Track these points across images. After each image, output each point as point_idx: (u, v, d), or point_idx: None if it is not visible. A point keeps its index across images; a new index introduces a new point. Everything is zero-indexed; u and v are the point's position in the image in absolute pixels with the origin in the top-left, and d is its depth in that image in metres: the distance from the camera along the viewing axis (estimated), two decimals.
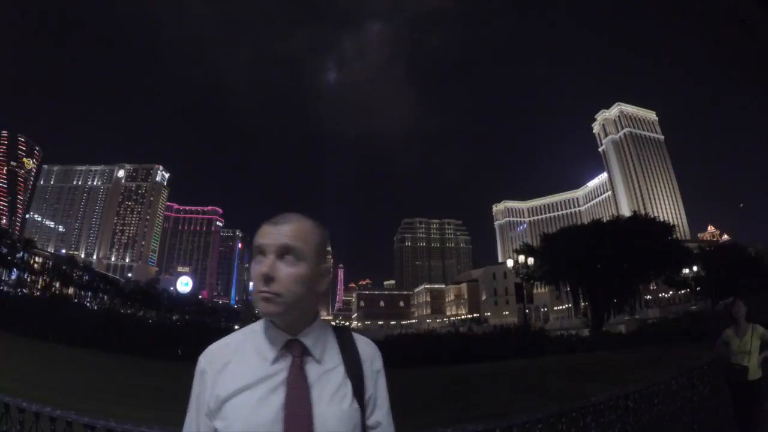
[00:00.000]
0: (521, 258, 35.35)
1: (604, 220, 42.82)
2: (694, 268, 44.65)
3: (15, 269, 60.50)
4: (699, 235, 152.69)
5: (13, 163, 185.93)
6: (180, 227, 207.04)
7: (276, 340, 1.04)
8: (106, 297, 74.82)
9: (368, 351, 1.12)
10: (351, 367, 1.06)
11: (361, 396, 1.05)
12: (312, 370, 1.03)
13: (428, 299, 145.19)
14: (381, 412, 1.09)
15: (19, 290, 53.02)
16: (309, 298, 1.05)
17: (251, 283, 1.10)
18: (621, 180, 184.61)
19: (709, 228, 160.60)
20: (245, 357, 1.03)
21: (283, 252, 1.01)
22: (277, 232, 1.03)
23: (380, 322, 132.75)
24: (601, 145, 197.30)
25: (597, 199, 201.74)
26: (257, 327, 1.09)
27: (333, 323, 1.19)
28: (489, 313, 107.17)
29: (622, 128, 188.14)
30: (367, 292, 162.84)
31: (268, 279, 0.99)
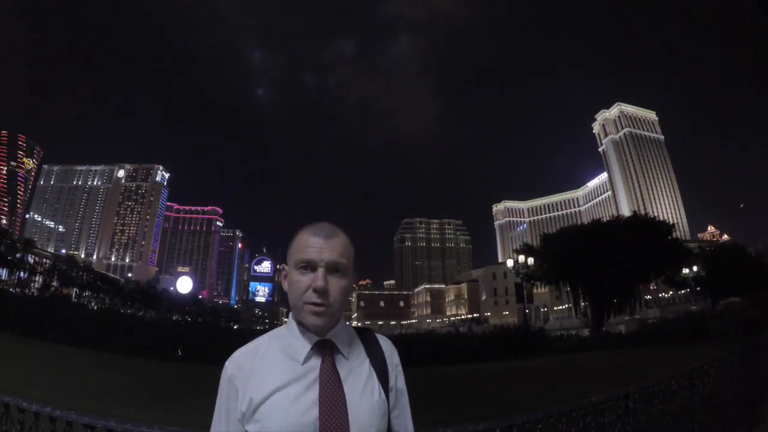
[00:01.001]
0: (521, 258, 35.35)
1: (604, 220, 42.77)
2: (694, 268, 44.65)
3: (15, 269, 60.45)
4: (699, 235, 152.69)
5: (13, 163, 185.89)
6: (180, 227, 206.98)
7: (305, 342, 1.10)
8: (106, 297, 74.74)
9: (388, 347, 1.20)
10: (376, 363, 1.14)
11: (386, 389, 1.12)
12: (342, 366, 1.09)
13: (428, 299, 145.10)
14: (402, 403, 1.18)
15: (18, 290, 52.98)
16: (345, 306, 1.14)
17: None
18: (621, 180, 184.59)
19: (709, 228, 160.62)
20: (275, 359, 1.08)
21: (334, 267, 1.08)
22: (329, 248, 1.09)
23: (380, 322, 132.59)
24: (601, 145, 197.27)
25: (597, 199, 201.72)
26: (283, 331, 1.15)
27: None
28: (489, 313, 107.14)
29: (622, 128, 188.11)
30: (367, 292, 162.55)
31: (323, 292, 1.05)
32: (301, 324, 1.11)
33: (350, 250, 1.13)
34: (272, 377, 1.04)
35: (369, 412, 1.04)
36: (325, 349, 1.09)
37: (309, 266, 1.08)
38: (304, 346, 1.09)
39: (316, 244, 1.09)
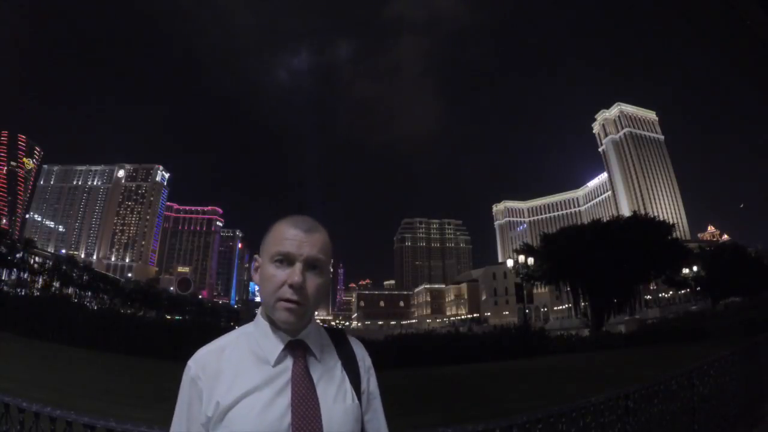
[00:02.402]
0: (521, 258, 35.33)
1: (604, 220, 42.76)
2: (694, 268, 44.65)
3: (15, 269, 60.44)
4: (699, 235, 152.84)
5: (13, 163, 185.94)
6: (180, 227, 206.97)
7: (277, 342, 1.02)
8: (106, 297, 74.74)
9: (360, 350, 1.15)
10: (348, 365, 1.08)
11: (358, 393, 1.07)
12: (315, 369, 1.03)
13: (428, 299, 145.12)
14: (374, 407, 1.12)
15: (18, 290, 52.98)
16: (318, 306, 1.10)
17: (257, 287, 1.11)
18: (621, 180, 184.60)
19: (709, 228, 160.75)
20: (244, 360, 1.00)
21: (312, 264, 1.02)
22: (309, 243, 1.02)
23: (380, 322, 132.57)
24: (601, 145, 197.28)
25: (597, 199, 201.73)
26: (251, 328, 1.07)
27: (332, 323, 1.20)
28: (489, 313, 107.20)
29: (622, 128, 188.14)
30: (367, 292, 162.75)
31: (299, 289, 0.99)
32: (271, 322, 1.03)
33: (329, 247, 1.06)
34: (241, 380, 0.97)
35: (343, 417, 0.99)
36: (296, 350, 1.02)
37: (286, 260, 1.00)
38: (275, 346, 1.02)
39: (296, 237, 1.01)
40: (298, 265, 1.00)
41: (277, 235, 1.03)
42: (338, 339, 1.13)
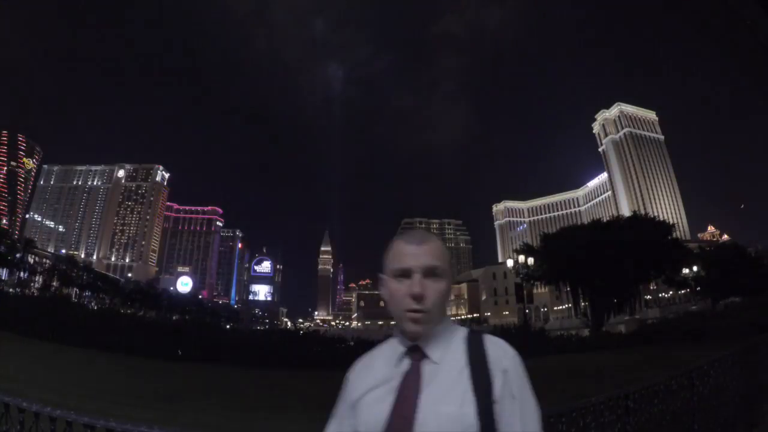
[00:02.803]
0: (521, 258, 35.36)
1: (604, 220, 42.80)
2: (694, 268, 44.62)
3: (15, 269, 60.45)
4: (699, 235, 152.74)
5: (13, 163, 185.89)
6: (180, 227, 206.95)
7: (400, 347, 1.13)
8: (106, 297, 74.77)
9: (496, 350, 1.08)
10: (475, 369, 1.04)
11: (488, 398, 1.00)
12: (429, 371, 1.07)
13: None
14: (512, 413, 1.02)
15: (18, 290, 52.99)
16: (444, 309, 1.14)
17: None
18: (621, 180, 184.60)
19: (709, 228, 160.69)
20: (376, 363, 1.15)
21: (430, 272, 1.09)
22: (423, 253, 1.10)
23: (380, 322, 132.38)
24: (601, 145, 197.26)
25: (597, 199, 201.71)
26: (393, 339, 1.19)
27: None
28: (489, 313, 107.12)
29: (622, 128, 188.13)
30: (367, 292, 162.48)
31: (420, 298, 1.07)
32: (401, 331, 1.14)
33: (445, 253, 1.14)
34: (370, 378, 1.11)
35: (439, 422, 0.97)
36: (414, 353, 1.10)
37: (405, 274, 1.10)
38: (399, 351, 1.12)
39: (411, 251, 1.11)
40: (417, 276, 1.08)
41: (395, 253, 1.14)
42: (473, 340, 1.12)
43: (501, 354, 1.07)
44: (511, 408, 1.02)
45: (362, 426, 1.06)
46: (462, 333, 1.15)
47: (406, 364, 1.10)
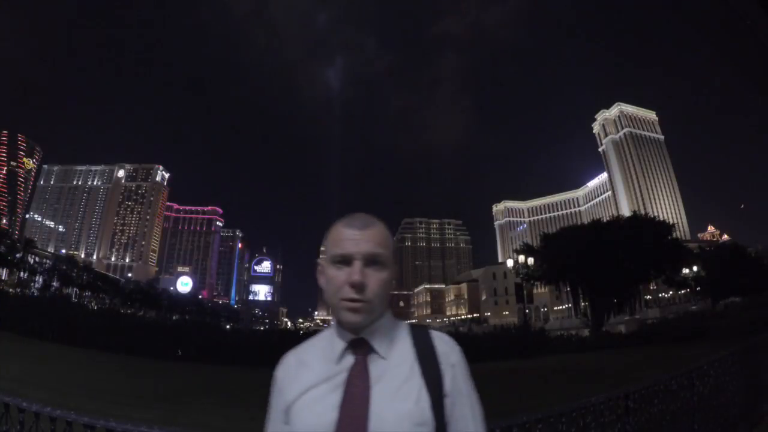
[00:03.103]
0: (521, 258, 35.36)
1: (604, 220, 42.76)
2: (694, 268, 44.64)
3: (15, 269, 60.46)
4: (699, 235, 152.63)
5: (13, 163, 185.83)
6: (180, 227, 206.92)
7: (340, 341, 1.03)
8: (106, 297, 74.76)
9: (444, 345, 1.05)
10: (425, 364, 1.01)
11: (439, 393, 0.98)
12: (377, 367, 0.99)
13: (428, 299, 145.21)
14: (461, 405, 1.01)
15: (18, 290, 52.98)
16: (386, 301, 1.05)
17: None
18: (621, 180, 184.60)
19: (709, 228, 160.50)
20: (313, 360, 1.04)
21: (372, 260, 1.00)
22: (365, 239, 1.01)
23: None
24: (601, 145, 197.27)
25: (597, 199, 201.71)
26: (328, 332, 1.09)
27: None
28: (489, 313, 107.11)
29: (622, 128, 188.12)
30: None
31: (360, 287, 0.98)
32: (340, 323, 1.04)
33: (389, 240, 1.05)
34: (306, 377, 1.01)
35: (396, 420, 0.92)
36: (358, 348, 1.01)
37: (345, 260, 1.00)
38: (338, 345, 1.02)
39: (352, 236, 1.01)
40: (357, 264, 0.99)
41: (334, 237, 1.03)
42: (418, 335, 1.06)
43: (449, 349, 1.05)
44: (461, 403, 1.01)
45: (304, 429, 0.95)
46: (405, 327, 1.09)
47: (349, 359, 1.00)
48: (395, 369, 0.99)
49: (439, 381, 0.99)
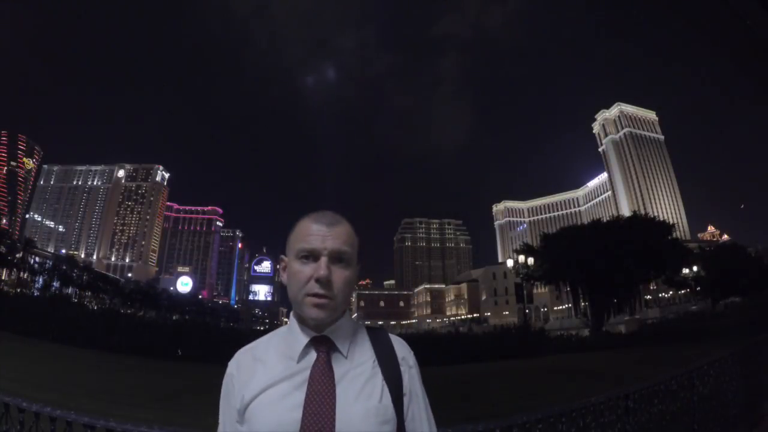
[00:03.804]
0: (521, 258, 35.38)
1: (604, 220, 42.78)
2: (694, 268, 44.65)
3: (15, 269, 60.47)
4: (699, 235, 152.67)
5: (13, 163, 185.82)
6: (180, 227, 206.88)
7: (301, 338, 1.02)
8: (106, 297, 74.74)
9: (402, 348, 1.09)
10: (385, 364, 1.03)
11: (398, 393, 1.01)
12: (339, 365, 1.00)
13: (428, 299, 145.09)
14: (415, 407, 1.05)
15: (19, 290, 52.99)
16: (348, 300, 1.06)
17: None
18: (621, 180, 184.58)
19: (709, 228, 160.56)
20: (271, 357, 1.02)
21: (337, 257, 1.01)
22: (333, 236, 1.01)
23: (380, 322, 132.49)
24: (601, 145, 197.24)
25: (597, 199, 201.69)
26: (284, 329, 1.08)
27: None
28: (489, 313, 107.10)
29: (622, 128, 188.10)
30: (366, 292, 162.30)
31: (326, 283, 0.98)
32: (301, 320, 1.03)
33: (354, 239, 1.06)
34: (265, 375, 0.98)
35: (362, 418, 0.93)
36: (320, 345, 1.01)
37: (311, 256, 1.00)
38: (299, 342, 1.01)
39: (319, 231, 1.01)
40: (324, 259, 0.99)
41: (301, 232, 1.03)
42: (377, 336, 1.09)
43: (406, 351, 1.09)
44: (417, 404, 1.05)
45: (265, 428, 0.93)
46: (363, 327, 1.11)
47: (310, 357, 1.00)
48: (358, 368, 1.00)
49: (399, 381, 1.02)
